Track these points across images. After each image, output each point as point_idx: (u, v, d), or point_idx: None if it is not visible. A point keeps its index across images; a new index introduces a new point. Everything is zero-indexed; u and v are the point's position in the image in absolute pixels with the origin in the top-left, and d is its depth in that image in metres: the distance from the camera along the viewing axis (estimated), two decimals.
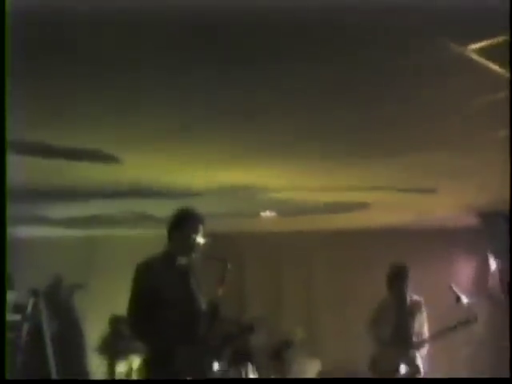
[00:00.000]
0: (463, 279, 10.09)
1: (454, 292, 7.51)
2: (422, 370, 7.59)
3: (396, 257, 8.13)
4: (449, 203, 9.05)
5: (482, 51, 3.86)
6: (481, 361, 9.92)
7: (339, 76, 4.46)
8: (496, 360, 9.57)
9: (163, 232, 5.61)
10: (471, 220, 9.57)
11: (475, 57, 3.96)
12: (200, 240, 5.50)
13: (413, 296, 7.89)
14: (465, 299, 7.48)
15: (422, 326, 7.74)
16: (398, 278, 7.85)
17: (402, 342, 7.60)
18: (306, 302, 11.62)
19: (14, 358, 6.77)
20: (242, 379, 5.52)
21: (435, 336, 7.64)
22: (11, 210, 8.91)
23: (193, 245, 5.47)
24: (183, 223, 5.52)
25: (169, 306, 5.31)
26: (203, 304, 5.55)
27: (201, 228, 5.52)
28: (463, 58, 3.97)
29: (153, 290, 5.30)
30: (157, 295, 5.29)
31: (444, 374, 8.51)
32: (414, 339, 7.62)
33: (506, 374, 8.17)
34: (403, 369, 7.51)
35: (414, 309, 7.81)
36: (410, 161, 6.75)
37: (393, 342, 7.68)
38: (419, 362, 7.61)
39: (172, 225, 5.57)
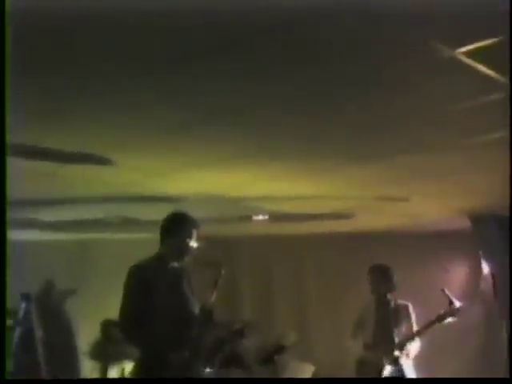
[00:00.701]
0: (455, 283, 10.09)
1: (447, 296, 7.50)
2: (405, 370, 7.55)
3: (387, 261, 8.13)
4: (439, 206, 9.06)
5: (471, 54, 3.87)
6: (474, 363, 9.93)
7: (327, 80, 4.47)
8: (490, 362, 9.59)
9: (155, 236, 5.60)
10: (462, 223, 9.57)
11: (465, 59, 3.97)
12: (193, 244, 5.50)
13: (398, 300, 7.89)
14: (457, 303, 7.48)
15: (410, 329, 7.71)
16: (377, 278, 7.87)
17: (385, 343, 7.57)
18: (298, 306, 11.62)
19: (4, 362, 6.75)
20: (242, 379, 5.51)
21: (415, 334, 7.60)
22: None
23: (186, 249, 5.48)
24: (177, 227, 5.52)
25: (161, 310, 5.31)
26: (196, 308, 5.55)
27: (195, 232, 5.52)
28: (454, 61, 3.98)
29: (145, 294, 5.28)
30: (149, 299, 5.28)
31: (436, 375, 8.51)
32: (398, 340, 7.57)
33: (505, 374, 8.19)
34: (387, 370, 7.49)
35: (400, 312, 7.79)
36: (397, 164, 6.77)
37: (376, 343, 7.68)
38: (404, 362, 7.57)
39: (166, 228, 5.57)
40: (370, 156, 6.56)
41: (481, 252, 9.98)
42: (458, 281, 10.36)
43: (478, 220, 9.34)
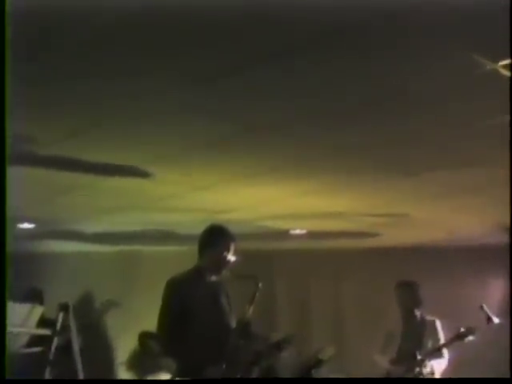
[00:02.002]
0: (494, 299, 9.97)
1: (485, 312, 7.42)
2: None
3: (425, 275, 8.06)
4: (476, 220, 8.99)
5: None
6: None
7: (364, 94, 4.48)
8: None
9: (194, 248, 5.61)
10: (500, 237, 9.48)
11: (505, 73, 3.95)
12: (231, 258, 5.50)
13: (426, 316, 7.82)
14: (496, 319, 7.39)
15: (436, 344, 7.60)
16: (403, 294, 7.83)
17: (409, 359, 7.50)
18: (336, 320, 11.58)
19: (42, 372, 6.79)
20: (242, 379, 5.48)
21: (436, 350, 7.50)
22: (43, 224, 9.06)
23: (224, 262, 5.47)
24: (216, 240, 5.51)
25: (199, 324, 5.30)
26: (233, 322, 5.54)
27: (232, 246, 5.52)
28: (494, 74, 3.96)
29: (183, 307, 5.28)
30: (187, 312, 5.28)
31: None
32: (421, 357, 7.48)
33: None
34: None
35: (426, 328, 7.72)
36: (433, 178, 6.75)
37: (400, 359, 7.63)
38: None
39: (204, 241, 5.57)
40: (406, 171, 6.55)
41: None
42: (496, 296, 10.25)
43: (510, 236, 9.23)
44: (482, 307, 7.45)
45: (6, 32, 3.25)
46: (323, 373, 9.45)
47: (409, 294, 7.83)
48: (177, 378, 5.43)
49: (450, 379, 7.58)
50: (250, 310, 5.45)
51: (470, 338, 7.21)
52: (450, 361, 7.53)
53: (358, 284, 11.42)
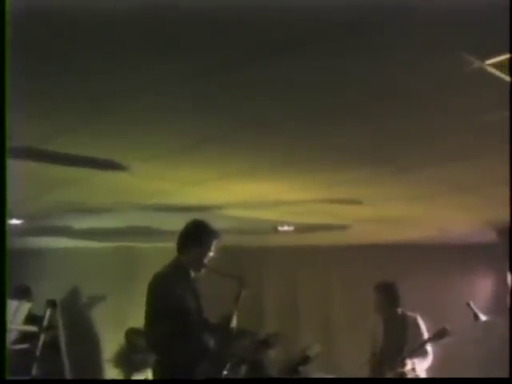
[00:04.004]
0: (481, 296, 10.01)
1: (472, 309, 7.44)
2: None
3: (414, 272, 8.06)
4: (465, 219, 9.01)
5: (500, 65, 3.86)
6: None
7: (358, 91, 4.49)
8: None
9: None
10: (490, 236, 9.51)
11: (493, 71, 3.96)
12: (212, 255, 5.48)
13: (407, 313, 7.83)
14: (483, 317, 7.41)
15: (418, 341, 7.60)
16: (380, 295, 7.85)
17: (390, 357, 7.52)
18: (324, 317, 11.59)
19: (29, 368, 6.79)
20: (242, 379, 5.48)
21: (412, 352, 7.51)
22: (31, 220, 9.03)
23: (205, 259, 5.45)
24: (201, 237, 5.48)
25: (184, 321, 5.29)
26: (216, 320, 5.53)
27: (215, 243, 5.50)
28: (481, 73, 3.97)
29: (168, 303, 5.26)
30: (173, 309, 5.25)
31: None
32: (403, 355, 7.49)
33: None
34: None
35: (408, 325, 7.73)
36: (423, 177, 6.76)
37: (382, 358, 7.65)
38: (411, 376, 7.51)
39: (189, 237, 5.53)
40: (396, 169, 6.56)
41: (508, 265, 9.88)
42: (483, 294, 10.28)
43: (504, 232, 9.26)
44: (468, 304, 7.47)
45: (6, 32, 3.24)
46: (310, 370, 9.48)
47: (388, 295, 7.83)
48: (163, 375, 5.41)
49: (450, 379, 7.60)
50: (235, 310, 5.45)
51: (445, 338, 7.23)
52: (435, 359, 7.55)
53: (347, 281, 11.43)
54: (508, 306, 9.75)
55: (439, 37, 3.58)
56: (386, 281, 7.89)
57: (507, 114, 4.65)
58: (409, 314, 7.81)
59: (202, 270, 5.50)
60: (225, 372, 5.35)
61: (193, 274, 5.52)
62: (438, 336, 7.26)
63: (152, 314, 5.28)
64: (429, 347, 7.50)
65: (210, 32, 3.56)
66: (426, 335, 7.59)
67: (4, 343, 3.98)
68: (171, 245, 5.71)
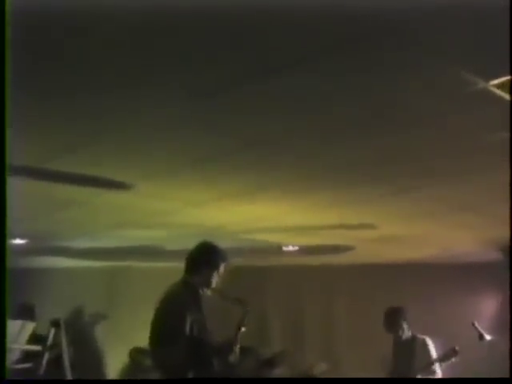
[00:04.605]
0: (486, 316, 9.97)
1: (477, 329, 7.43)
2: None
3: (418, 292, 8.05)
4: (470, 238, 8.99)
5: (502, 86, 3.87)
6: None
7: (362, 111, 4.49)
8: None
9: (182, 265, 5.58)
10: (493, 254, 9.49)
11: (497, 91, 3.96)
12: (220, 276, 5.49)
13: (416, 334, 7.86)
14: (488, 336, 7.40)
15: (428, 362, 7.62)
16: (390, 320, 7.88)
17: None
18: (329, 337, 11.56)
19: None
20: (242, 379, 5.48)
21: (424, 371, 7.51)
22: (35, 240, 9.04)
23: (213, 281, 5.46)
24: (211, 259, 5.48)
25: (192, 340, 5.27)
26: (221, 340, 5.53)
27: (223, 265, 5.51)
28: (486, 93, 3.98)
29: (178, 323, 5.24)
30: (180, 329, 5.25)
31: None
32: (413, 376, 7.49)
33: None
34: None
35: (417, 347, 7.75)
36: (427, 196, 6.76)
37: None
38: None
39: (198, 258, 5.53)
40: (400, 188, 6.55)
41: None
42: (488, 313, 10.24)
43: (507, 251, 9.24)
44: (473, 324, 7.46)
45: (6, 32, 3.24)
46: None
47: (397, 320, 7.87)
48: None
49: (450, 379, 7.59)
50: (239, 334, 5.46)
51: (454, 358, 7.25)
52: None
53: (351, 300, 11.40)
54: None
55: (440, 55, 3.58)
56: (395, 306, 7.94)
57: (507, 135, 4.66)
58: (418, 335, 7.84)
59: (209, 292, 5.50)
60: None
61: (203, 295, 5.53)
62: (447, 356, 7.29)
63: (159, 332, 5.27)
64: (437, 368, 7.52)
65: (212, 51, 3.57)
66: (434, 357, 7.60)
67: (4, 344, 3.97)
68: (175, 264, 5.70)
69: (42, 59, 3.71)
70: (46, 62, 3.75)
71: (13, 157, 5.42)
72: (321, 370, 9.61)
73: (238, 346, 5.44)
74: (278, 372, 9.48)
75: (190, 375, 5.19)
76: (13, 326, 6.69)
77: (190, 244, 5.67)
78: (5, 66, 3.35)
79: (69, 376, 7.18)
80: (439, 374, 7.52)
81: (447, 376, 7.60)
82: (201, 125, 4.78)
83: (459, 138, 5.03)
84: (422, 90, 4.10)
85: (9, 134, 3.59)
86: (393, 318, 7.92)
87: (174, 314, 5.28)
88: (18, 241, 9.02)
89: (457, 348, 7.25)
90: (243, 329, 5.47)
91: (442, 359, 7.41)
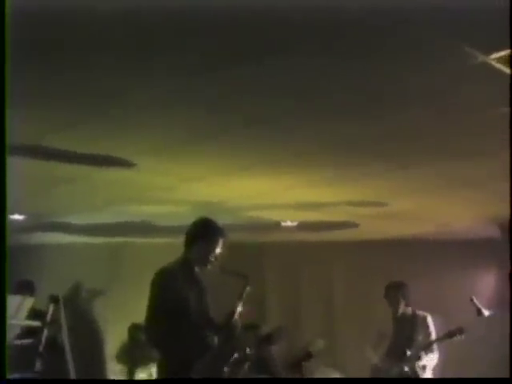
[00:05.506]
0: (485, 292, 9.99)
1: (475, 305, 7.44)
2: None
3: (416, 267, 8.06)
4: (469, 214, 9.00)
5: (502, 60, 3.85)
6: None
7: (364, 88, 4.49)
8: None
9: (183, 240, 5.59)
10: (492, 231, 9.50)
11: (497, 65, 3.95)
12: (218, 252, 5.48)
13: (417, 311, 7.88)
14: (486, 312, 7.41)
15: (427, 339, 7.65)
16: (391, 294, 7.89)
17: (398, 355, 7.54)
18: (326, 313, 11.59)
19: (32, 363, 6.79)
20: (242, 379, 5.48)
21: (423, 349, 7.54)
22: (33, 216, 9.03)
23: (211, 256, 5.45)
24: (208, 234, 5.47)
25: (186, 317, 5.28)
26: (219, 316, 5.53)
27: (221, 240, 5.50)
28: (486, 67, 3.96)
29: (171, 300, 5.25)
30: (175, 305, 5.25)
31: None
32: (413, 352, 7.51)
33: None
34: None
35: (417, 323, 7.77)
36: (427, 172, 6.76)
37: (390, 355, 7.68)
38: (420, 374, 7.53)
39: (195, 234, 5.53)
40: (399, 165, 6.56)
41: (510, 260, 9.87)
42: (487, 289, 10.27)
43: (507, 227, 9.24)
44: (472, 300, 7.47)
45: (6, 32, 3.23)
46: (313, 365, 9.48)
47: (398, 295, 7.88)
48: (165, 372, 5.41)
49: (450, 379, 7.61)
50: (239, 307, 5.45)
51: (460, 337, 7.27)
52: (440, 356, 7.57)
53: (349, 276, 11.43)
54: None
55: (440, 32, 3.57)
56: (396, 280, 7.95)
57: (508, 110, 4.64)
58: (419, 312, 7.85)
59: (208, 267, 5.50)
60: (227, 369, 5.35)
61: (198, 270, 5.53)
62: (453, 334, 7.31)
63: (153, 309, 5.29)
64: (435, 346, 7.55)
65: (214, 29, 3.56)
66: (434, 334, 7.63)
67: (4, 343, 3.97)
68: (172, 240, 5.71)
69: (41, 43, 3.72)
70: (45, 44, 3.75)
71: (12, 134, 5.44)
72: (319, 346, 9.62)
73: (237, 321, 5.45)
74: (276, 348, 9.50)
75: (187, 352, 5.21)
76: (12, 301, 6.68)
77: (189, 220, 5.67)
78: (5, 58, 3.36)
79: (68, 353, 7.18)
80: (437, 353, 7.56)
81: (444, 352, 7.63)
82: (201, 101, 4.78)
83: (460, 114, 5.02)
84: (423, 67, 4.09)
85: (8, 112, 3.59)
86: (393, 292, 7.93)
87: (163, 290, 5.29)
88: (16, 217, 9.02)
89: (463, 327, 7.28)
90: (242, 302, 5.47)
91: (446, 337, 7.42)
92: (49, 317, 6.91)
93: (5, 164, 3.72)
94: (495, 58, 3.87)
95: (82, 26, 3.48)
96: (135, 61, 4.04)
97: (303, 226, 9.91)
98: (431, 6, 3.26)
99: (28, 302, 6.90)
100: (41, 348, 6.86)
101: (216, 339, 5.38)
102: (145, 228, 10.08)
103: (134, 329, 9.68)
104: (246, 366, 5.66)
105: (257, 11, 3.31)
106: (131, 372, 9.87)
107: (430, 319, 7.81)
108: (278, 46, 3.78)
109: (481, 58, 3.88)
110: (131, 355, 9.73)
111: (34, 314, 7.13)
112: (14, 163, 6.23)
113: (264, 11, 3.31)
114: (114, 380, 10.15)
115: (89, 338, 10.96)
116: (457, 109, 4.89)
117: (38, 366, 6.86)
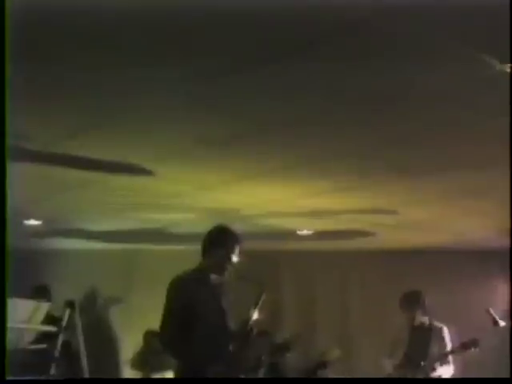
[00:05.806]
0: (500, 302, 9.96)
1: (491, 315, 7.41)
2: None
3: (431, 278, 8.03)
4: (482, 224, 8.97)
5: None
6: None
7: (377, 95, 4.48)
8: None
9: (199, 247, 5.59)
10: (507, 241, 9.47)
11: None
12: (235, 259, 5.48)
13: (434, 322, 7.85)
14: (502, 322, 7.39)
15: (443, 350, 7.62)
16: (407, 303, 7.86)
17: (413, 364, 7.52)
18: (342, 322, 11.56)
19: (47, 369, 6.81)
20: (242, 379, 5.48)
21: (438, 360, 7.51)
22: (49, 222, 9.07)
23: (228, 264, 5.45)
24: (223, 241, 5.47)
25: (202, 324, 5.28)
26: (233, 323, 5.53)
27: (237, 248, 5.49)
28: (503, 75, 3.95)
29: (186, 307, 5.25)
30: (190, 312, 5.25)
31: None
32: (428, 363, 7.48)
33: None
34: None
35: (433, 334, 7.74)
36: (440, 181, 6.75)
37: (404, 364, 7.65)
38: None
39: (211, 241, 5.53)
40: (414, 173, 6.54)
41: None
42: (502, 300, 10.24)
43: (510, 239, 9.22)
44: (488, 311, 7.45)
45: (6, 32, 3.24)
46: (328, 374, 9.46)
47: (414, 304, 7.85)
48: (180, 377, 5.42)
49: (450, 379, 7.59)
50: (255, 314, 5.45)
51: (474, 349, 7.25)
52: (455, 365, 7.55)
53: (365, 285, 11.41)
54: None
55: (451, 38, 3.56)
56: (413, 289, 7.92)
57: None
58: (435, 323, 7.83)
59: (225, 274, 5.50)
60: (243, 375, 5.36)
61: (214, 277, 5.53)
62: (467, 346, 7.29)
63: (168, 316, 5.31)
64: (450, 357, 7.54)
65: (221, 33, 3.56)
66: (449, 346, 7.61)
67: (4, 343, 3.99)
68: (188, 247, 5.71)
69: (45, 46, 3.73)
70: (49, 48, 3.76)
71: (26, 140, 5.48)
72: (335, 355, 9.61)
73: (253, 328, 5.45)
74: (291, 356, 9.49)
75: (202, 358, 5.22)
76: (28, 305, 6.72)
77: (204, 228, 5.68)
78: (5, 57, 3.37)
79: (83, 358, 7.20)
80: (451, 364, 7.54)
81: (459, 362, 7.61)
82: (215, 107, 4.78)
83: (474, 123, 5.01)
84: (435, 73, 4.07)
85: (8, 117, 3.61)
86: (410, 301, 7.90)
87: (177, 296, 5.31)
88: (32, 222, 9.05)
89: (477, 339, 7.26)
90: (258, 309, 5.47)
91: (461, 349, 7.40)
92: (64, 322, 6.94)
93: (5, 167, 3.73)
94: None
95: (96, 26, 3.47)
96: (151, 65, 4.03)
97: (319, 235, 9.90)
98: (447, 11, 3.25)
99: (44, 308, 6.93)
100: (56, 353, 6.89)
101: (231, 346, 5.39)
102: (160, 235, 10.09)
103: (149, 335, 9.69)
104: (261, 372, 5.67)
105: (271, 15, 3.31)
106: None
107: (446, 330, 7.78)
108: (288, 50, 3.77)
109: (499, 66, 3.86)
110: (146, 362, 9.74)
111: (50, 319, 7.17)
112: (30, 169, 6.31)
113: (280, 14, 3.31)
114: (113, 379, 10.17)
115: (104, 343, 10.99)
116: (471, 117, 4.87)
117: (53, 370, 6.88)
